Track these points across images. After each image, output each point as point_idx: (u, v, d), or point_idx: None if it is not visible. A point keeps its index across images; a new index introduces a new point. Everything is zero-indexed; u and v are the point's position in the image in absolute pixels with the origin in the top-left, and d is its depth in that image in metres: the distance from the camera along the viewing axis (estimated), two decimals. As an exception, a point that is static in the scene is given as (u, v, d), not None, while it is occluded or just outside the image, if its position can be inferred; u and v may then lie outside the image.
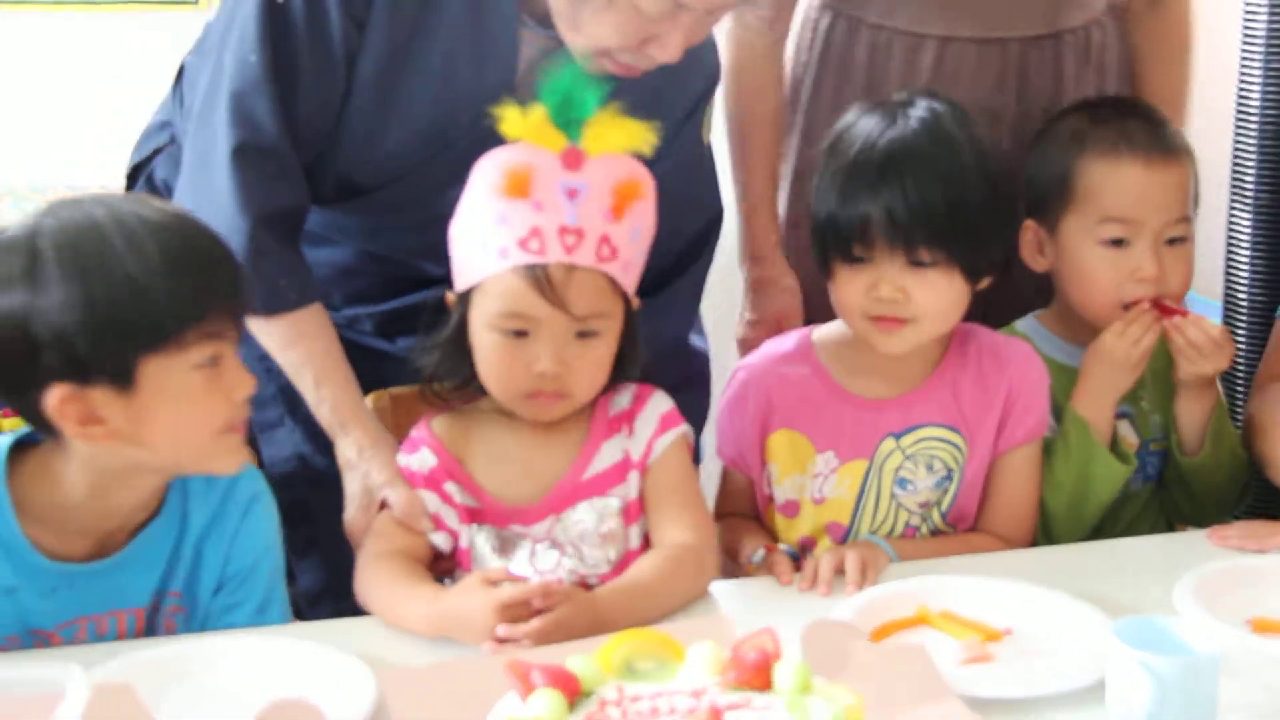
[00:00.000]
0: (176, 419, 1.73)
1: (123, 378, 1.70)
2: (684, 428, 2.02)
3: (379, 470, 1.98)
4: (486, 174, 1.86)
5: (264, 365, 2.13)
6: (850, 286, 2.06)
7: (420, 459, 1.94)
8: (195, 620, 1.90)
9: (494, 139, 1.94)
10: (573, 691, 1.38)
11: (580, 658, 1.43)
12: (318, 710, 1.54)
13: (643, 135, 1.85)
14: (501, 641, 1.62)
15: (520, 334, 1.86)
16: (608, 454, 1.96)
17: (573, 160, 1.82)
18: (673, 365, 2.26)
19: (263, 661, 1.74)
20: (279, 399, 2.20)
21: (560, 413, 1.93)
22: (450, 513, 1.92)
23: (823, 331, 2.20)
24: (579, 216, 1.83)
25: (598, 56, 1.99)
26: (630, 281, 1.93)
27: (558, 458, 1.96)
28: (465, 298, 1.90)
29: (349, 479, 2.02)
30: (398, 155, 2.16)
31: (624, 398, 2.00)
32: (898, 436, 2.12)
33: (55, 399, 1.68)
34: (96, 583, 1.82)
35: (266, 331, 2.05)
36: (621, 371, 1.96)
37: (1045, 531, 2.19)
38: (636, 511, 1.96)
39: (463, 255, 1.90)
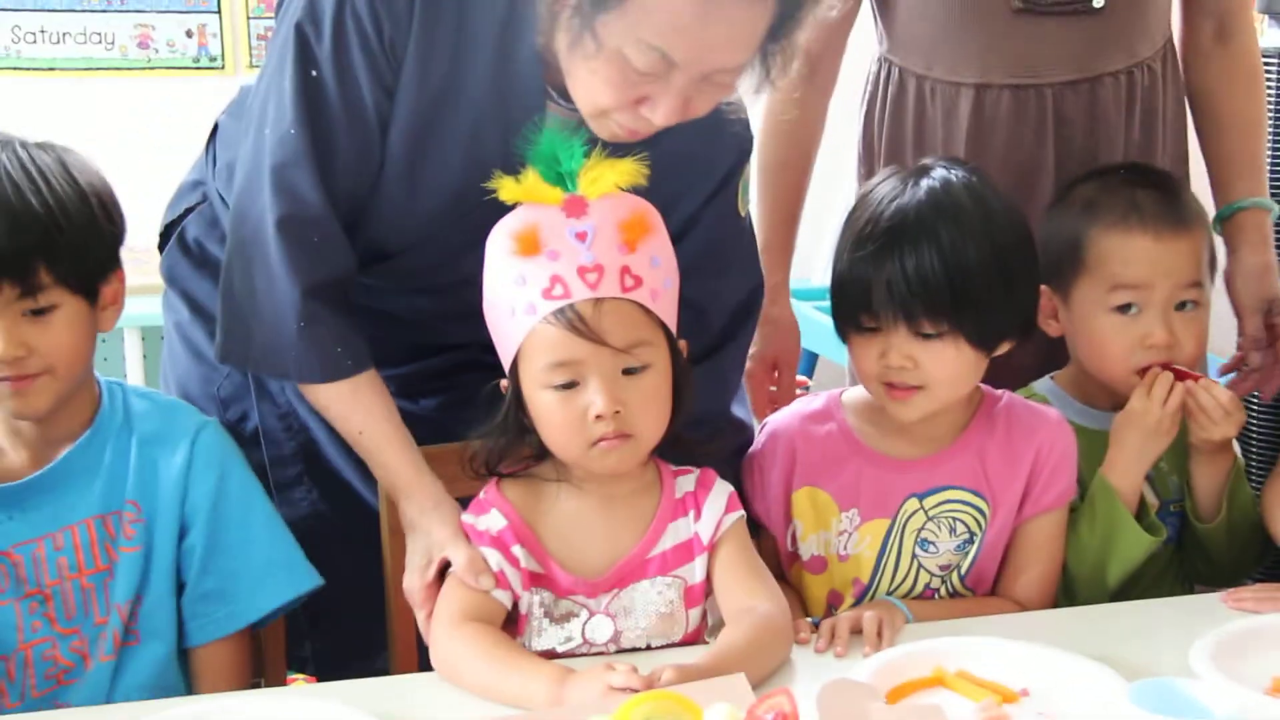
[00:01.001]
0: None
1: None
2: (742, 511, 2.00)
3: (439, 528, 1.96)
4: (498, 243, 1.87)
5: (284, 424, 2.15)
6: (863, 353, 2.06)
7: (489, 520, 1.91)
8: (167, 543, 1.95)
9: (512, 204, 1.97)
10: None
11: (601, 718, 1.44)
12: None
13: (634, 170, 1.85)
14: None
15: (570, 385, 1.83)
16: (673, 534, 1.94)
17: (575, 207, 1.82)
18: (719, 437, 2.23)
19: None
20: (298, 456, 2.21)
21: (630, 459, 1.89)
22: (514, 575, 1.89)
23: (851, 392, 2.19)
24: (594, 255, 1.82)
25: (597, 118, 1.98)
26: (664, 310, 1.89)
27: (625, 534, 1.94)
28: (514, 372, 1.88)
29: (411, 541, 2.01)
30: (425, 222, 2.15)
31: (689, 480, 1.97)
32: (921, 497, 2.11)
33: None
34: (43, 497, 1.90)
35: (326, 399, 2.06)
36: (680, 412, 1.91)
37: (1067, 595, 2.17)
38: (699, 596, 1.94)
39: (500, 331, 1.90)
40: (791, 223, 2.58)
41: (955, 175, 2.09)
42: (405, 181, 2.12)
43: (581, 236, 1.82)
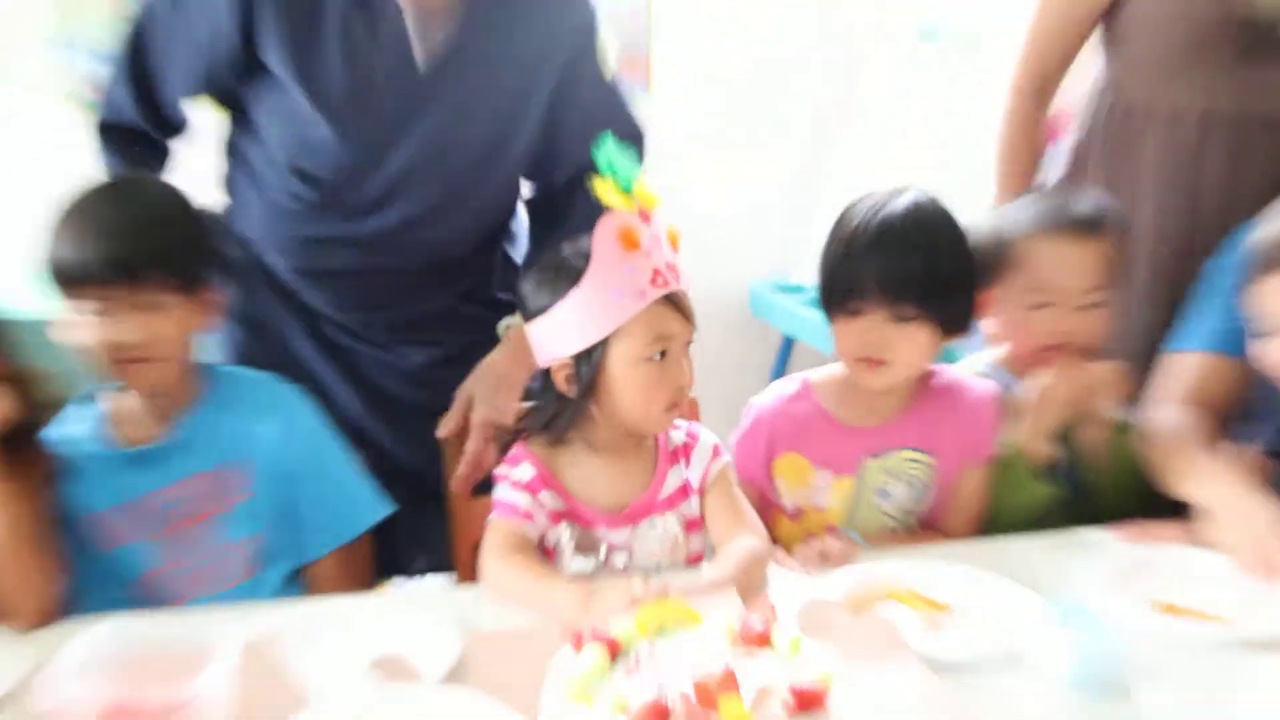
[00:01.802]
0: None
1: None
2: (728, 458, 2.14)
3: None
4: (606, 238, 1.93)
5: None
6: (846, 332, 2.19)
7: (521, 471, 2.04)
8: (270, 490, 2.15)
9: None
10: (614, 649, 1.51)
11: (622, 623, 1.55)
12: (412, 665, 1.71)
13: (653, 195, 1.95)
14: None
15: (662, 359, 1.98)
16: (672, 480, 2.08)
17: (645, 216, 1.94)
18: None
19: (376, 624, 1.87)
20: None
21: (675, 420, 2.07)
22: (541, 513, 2.03)
23: (818, 376, 2.31)
24: (665, 255, 1.96)
25: None
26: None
27: (634, 480, 2.08)
28: (596, 354, 1.98)
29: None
30: (340, 135, 2.28)
31: (679, 434, 2.12)
32: (878, 457, 2.25)
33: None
34: (157, 463, 2.09)
35: None
36: None
37: (988, 531, 2.28)
38: (696, 525, 2.09)
39: (589, 311, 1.95)
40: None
41: (924, 196, 2.22)
42: (300, 89, 2.24)
43: (655, 240, 1.95)
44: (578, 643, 1.53)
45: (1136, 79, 2.59)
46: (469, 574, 2.25)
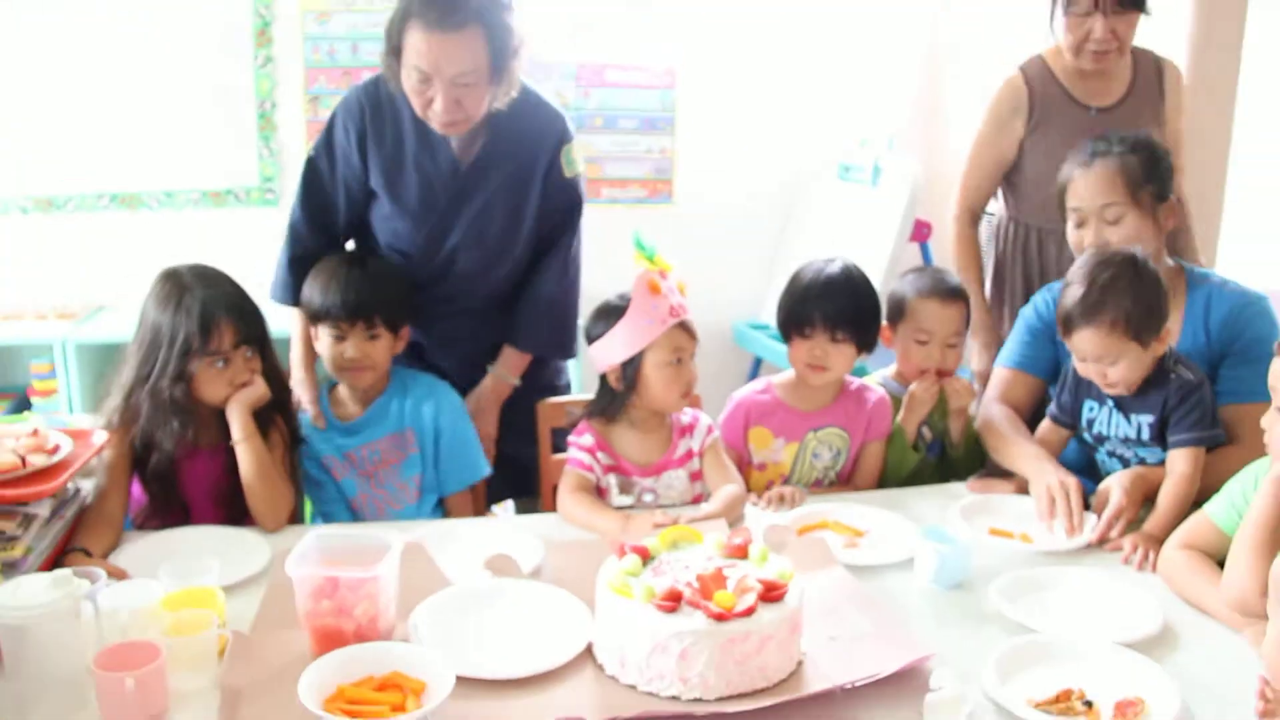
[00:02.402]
0: (323, 355, 2.12)
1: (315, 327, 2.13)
2: (718, 433, 2.11)
3: None
4: (639, 287, 1.94)
5: None
6: (799, 349, 2.17)
7: (584, 439, 2.03)
8: (428, 442, 2.13)
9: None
10: (645, 556, 1.50)
11: (650, 539, 1.54)
12: (514, 560, 1.70)
13: (667, 261, 1.95)
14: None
15: (679, 363, 1.98)
16: (682, 446, 2.06)
17: (663, 274, 1.96)
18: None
19: (487, 535, 1.86)
20: None
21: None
22: (598, 467, 2.02)
23: (778, 378, 2.27)
24: (677, 297, 1.97)
25: (435, 125, 2.06)
26: None
27: (657, 447, 2.05)
28: (635, 361, 1.96)
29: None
30: (411, 222, 2.21)
31: (686, 416, 2.08)
32: (815, 431, 2.21)
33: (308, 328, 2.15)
34: (364, 428, 2.13)
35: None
36: None
37: (882, 484, 2.24)
38: (697, 476, 2.06)
39: (630, 333, 1.94)
40: (980, 295, 2.57)
41: (849, 262, 2.22)
42: (388, 197, 2.21)
43: (671, 289, 1.96)
44: (620, 552, 1.51)
45: (1032, 211, 2.58)
46: (549, 506, 2.24)
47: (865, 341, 2.19)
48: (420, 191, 2.21)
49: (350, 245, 2.33)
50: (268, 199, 3.70)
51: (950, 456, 2.33)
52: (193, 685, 1.36)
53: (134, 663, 1.27)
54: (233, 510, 1.93)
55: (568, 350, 2.40)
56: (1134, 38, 2.38)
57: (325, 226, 2.26)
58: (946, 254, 2.79)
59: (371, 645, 1.39)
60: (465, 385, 2.29)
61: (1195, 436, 1.94)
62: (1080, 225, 2.13)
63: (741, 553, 1.52)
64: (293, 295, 2.24)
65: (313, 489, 2.13)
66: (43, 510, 1.64)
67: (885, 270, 3.44)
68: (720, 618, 1.36)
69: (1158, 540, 1.83)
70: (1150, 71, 2.48)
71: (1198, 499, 1.86)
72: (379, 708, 1.27)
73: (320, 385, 2.21)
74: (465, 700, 1.31)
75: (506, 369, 2.35)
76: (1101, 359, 1.96)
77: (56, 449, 1.70)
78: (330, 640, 1.40)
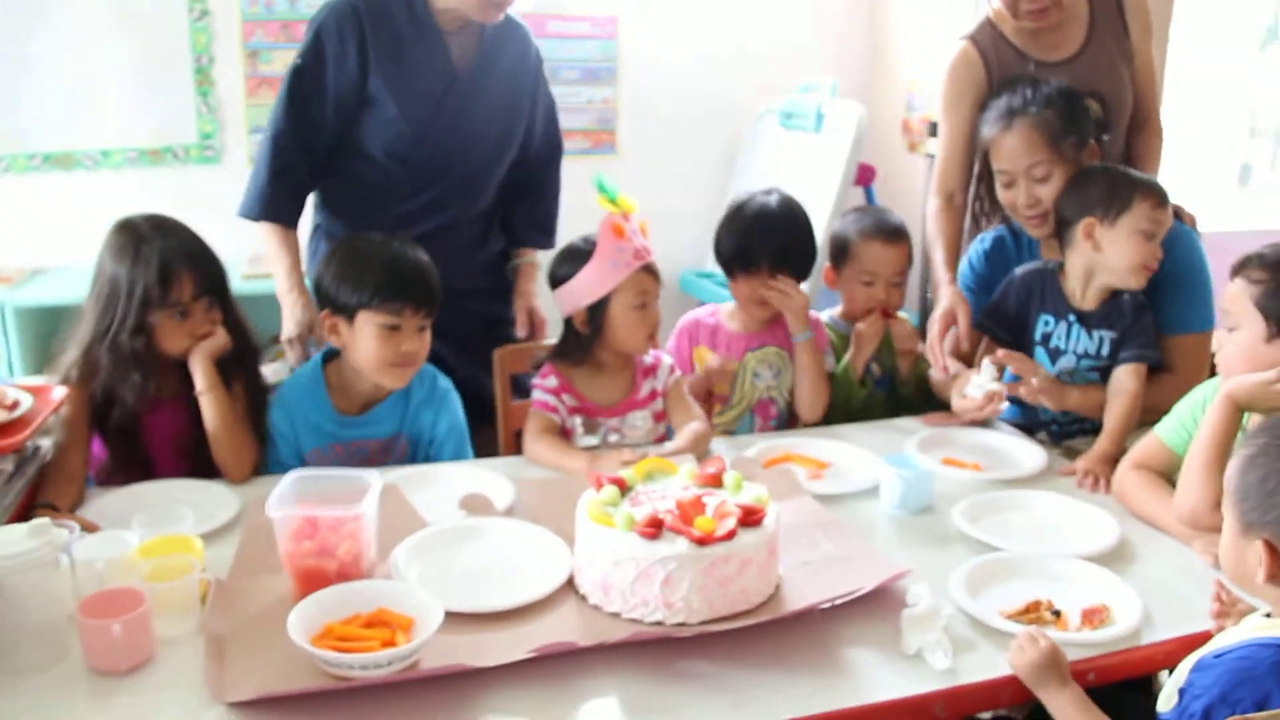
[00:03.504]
0: (364, 349, 1.89)
1: (348, 317, 1.90)
2: (679, 372, 2.10)
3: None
4: (604, 231, 1.93)
5: None
6: (745, 284, 2.20)
7: (548, 381, 2.02)
8: (420, 453, 2.01)
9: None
10: (623, 487, 1.51)
11: (626, 471, 1.55)
12: (488, 499, 1.73)
13: (631, 203, 1.95)
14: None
15: (644, 306, 1.98)
16: (645, 387, 2.06)
17: (626, 216, 1.95)
18: None
19: (459, 477, 1.85)
20: None
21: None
22: (562, 408, 2.01)
23: (725, 307, 2.30)
24: (641, 240, 1.96)
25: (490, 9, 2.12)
26: None
27: (621, 387, 2.05)
28: (601, 305, 1.96)
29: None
30: (412, 125, 2.18)
31: (648, 358, 2.08)
32: (753, 351, 2.25)
33: (325, 320, 1.93)
34: (361, 425, 1.97)
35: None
36: None
37: (833, 420, 2.24)
38: (661, 416, 2.07)
39: (596, 277, 1.94)
40: (953, 259, 2.33)
41: (784, 194, 2.23)
42: (392, 100, 2.16)
43: (635, 231, 1.95)
44: (598, 484, 1.51)
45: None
46: (510, 449, 2.25)
47: (803, 270, 2.23)
48: (423, 91, 2.19)
49: (315, 224, 2.32)
50: (207, 156, 3.60)
51: (898, 391, 2.36)
52: (177, 631, 1.34)
53: (118, 610, 1.25)
54: (196, 462, 1.89)
55: (550, 240, 2.50)
56: None
57: (309, 139, 2.20)
58: (891, 201, 2.78)
59: (357, 584, 1.38)
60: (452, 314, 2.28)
61: (1144, 353, 2.00)
62: (1009, 186, 2.14)
63: (715, 481, 1.54)
64: (274, 212, 2.20)
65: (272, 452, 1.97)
66: (6, 465, 1.60)
67: (830, 214, 3.47)
68: (702, 542, 1.37)
69: (1110, 461, 1.89)
70: (1109, 5, 2.30)
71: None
72: (369, 643, 1.26)
73: (313, 365, 2.02)
74: (452, 634, 1.31)
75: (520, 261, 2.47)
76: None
77: (16, 405, 1.65)
78: (313, 581, 1.39)
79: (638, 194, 2.02)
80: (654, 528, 1.39)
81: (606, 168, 3.90)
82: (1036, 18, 2.21)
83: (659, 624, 1.37)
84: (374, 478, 1.50)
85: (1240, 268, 1.61)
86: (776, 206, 2.21)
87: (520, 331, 2.44)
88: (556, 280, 2.02)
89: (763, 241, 2.18)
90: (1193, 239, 2.12)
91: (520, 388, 2.32)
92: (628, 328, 1.99)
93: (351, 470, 1.55)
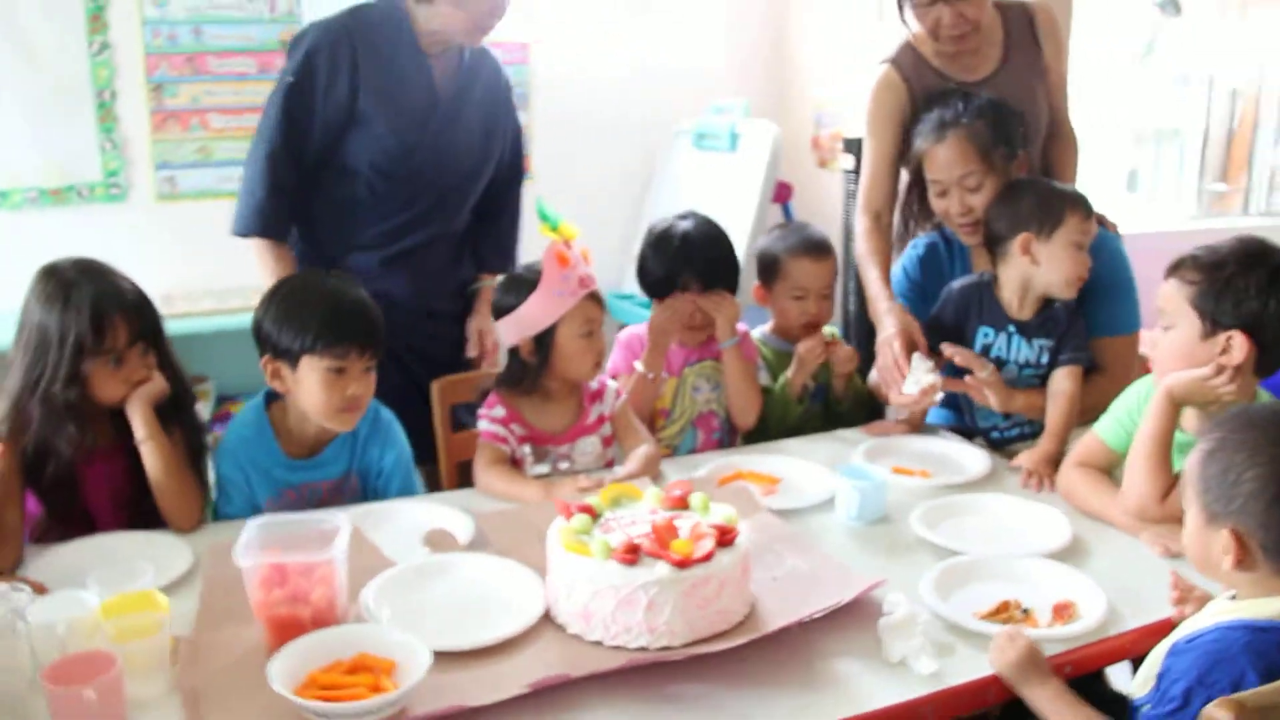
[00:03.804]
0: (310, 395, 1.82)
1: (291, 363, 1.83)
2: (625, 396, 2.10)
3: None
4: (549, 260, 1.93)
5: None
6: (674, 305, 2.20)
7: (495, 411, 2.00)
8: (369, 489, 1.95)
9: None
10: (593, 514, 1.50)
11: (593, 498, 1.55)
12: (451, 534, 1.70)
13: (573, 229, 1.94)
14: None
15: (590, 334, 1.98)
16: (594, 412, 2.06)
17: (568, 244, 1.94)
18: None
19: (415, 513, 1.81)
20: None
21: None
22: (511, 438, 1.99)
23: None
24: (585, 268, 1.96)
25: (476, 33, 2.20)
26: None
27: (570, 414, 2.04)
28: (548, 334, 1.95)
29: None
30: (400, 138, 2.22)
31: (594, 384, 2.07)
32: (690, 365, 2.27)
33: (267, 365, 1.86)
34: (312, 468, 1.90)
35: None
36: None
37: (764, 433, 2.27)
38: (609, 441, 2.07)
39: (542, 308, 1.94)
40: (886, 277, 2.29)
41: (702, 217, 2.25)
42: (382, 118, 2.20)
43: (578, 259, 1.95)
44: (568, 513, 1.50)
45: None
46: (452, 483, 2.22)
47: (732, 289, 2.26)
48: (411, 110, 2.24)
49: (299, 239, 2.30)
50: (113, 194, 3.48)
51: (834, 407, 2.39)
52: (149, 692, 1.28)
53: (87, 674, 1.19)
54: (137, 514, 1.81)
55: (508, 264, 2.51)
56: (988, 8, 2.25)
57: (299, 155, 2.23)
58: (808, 216, 2.79)
59: (334, 630, 1.35)
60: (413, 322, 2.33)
61: (1079, 356, 2.08)
62: (942, 195, 2.19)
63: (682, 503, 1.54)
64: (273, 228, 2.23)
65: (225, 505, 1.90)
66: (-60, 529, 1.51)
67: (751, 231, 3.51)
68: (681, 564, 1.37)
69: (1053, 460, 1.95)
70: (1022, 24, 2.33)
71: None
72: (356, 689, 1.23)
73: (256, 410, 1.93)
74: (436, 673, 1.28)
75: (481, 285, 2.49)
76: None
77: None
78: (287, 630, 1.35)
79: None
80: (632, 554, 1.39)
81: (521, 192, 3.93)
82: (957, 41, 2.25)
83: (643, 649, 1.36)
84: (342, 519, 1.47)
85: (1175, 269, 1.68)
86: (699, 229, 2.23)
87: (471, 351, 2.45)
88: (501, 310, 2.01)
89: (690, 265, 2.20)
90: (1117, 245, 2.20)
91: (459, 419, 2.29)
92: (575, 356, 1.99)
93: (315, 513, 1.51)
